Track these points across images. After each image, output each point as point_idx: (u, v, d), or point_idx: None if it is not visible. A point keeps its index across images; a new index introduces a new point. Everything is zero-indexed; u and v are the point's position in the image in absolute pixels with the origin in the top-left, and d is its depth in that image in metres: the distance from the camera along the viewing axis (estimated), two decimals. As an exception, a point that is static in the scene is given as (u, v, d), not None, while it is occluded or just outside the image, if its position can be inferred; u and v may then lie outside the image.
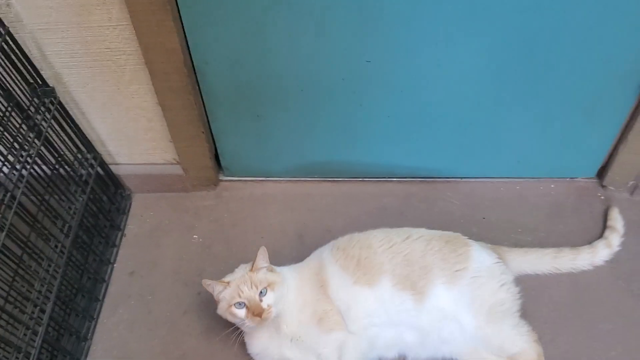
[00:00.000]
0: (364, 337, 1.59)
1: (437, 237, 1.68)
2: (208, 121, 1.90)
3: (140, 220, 2.10)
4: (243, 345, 1.67)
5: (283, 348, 1.60)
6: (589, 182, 2.08)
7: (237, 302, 1.53)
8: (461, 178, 2.10)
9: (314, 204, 2.09)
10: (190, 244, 2.01)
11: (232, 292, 1.54)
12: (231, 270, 1.63)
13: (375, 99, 1.80)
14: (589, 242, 1.90)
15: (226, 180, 2.16)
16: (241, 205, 2.12)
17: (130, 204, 2.13)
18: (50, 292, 1.60)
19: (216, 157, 2.08)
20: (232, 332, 1.59)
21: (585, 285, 1.81)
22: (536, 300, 1.75)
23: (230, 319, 1.56)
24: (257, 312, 1.50)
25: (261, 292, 1.53)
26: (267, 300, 1.53)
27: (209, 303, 1.82)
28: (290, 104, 1.83)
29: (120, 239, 2.03)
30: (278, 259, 1.71)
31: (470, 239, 1.75)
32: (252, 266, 1.58)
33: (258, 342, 1.64)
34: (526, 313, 1.65)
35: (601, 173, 2.03)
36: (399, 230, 1.72)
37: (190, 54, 1.67)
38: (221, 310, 1.57)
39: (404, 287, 1.57)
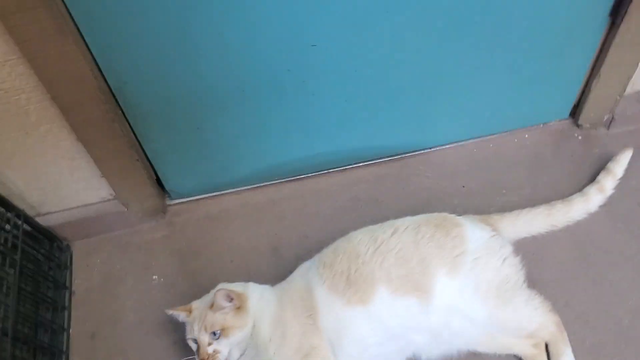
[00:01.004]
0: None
1: (424, 223, 1.55)
2: (141, 146, 1.70)
3: (87, 271, 1.87)
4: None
5: None
6: (563, 123, 2.00)
7: (190, 339, 1.48)
8: (431, 148, 1.98)
9: (281, 210, 1.92)
10: (151, 287, 1.81)
11: (189, 324, 1.49)
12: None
13: (327, 85, 1.64)
14: (576, 187, 1.83)
15: (175, 204, 1.96)
16: (199, 229, 1.92)
17: (71, 255, 1.89)
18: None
19: (158, 182, 1.87)
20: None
21: (584, 237, 1.75)
22: (539, 265, 1.66)
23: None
24: (200, 356, 1.42)
25: (214, 333, 1.42)
26: (218, 346, 1.42)
27: (189, 351, 1.60)
28: (232, 109, 1.64)
29: (69, 299, 1.80)
30: (257, 281, 1.56)
31: (456, 214, 1.64)
32: (211, 304, 1.46)
33: None
34: (533, 281, 1.57)
35: (575, 112, 1.96)
36: (383, 226, 1.57)
37: (104, 77, 1.46)
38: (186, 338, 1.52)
39: (406, 290, 1.44)
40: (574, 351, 1.53)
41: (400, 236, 1.52)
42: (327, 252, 1.57)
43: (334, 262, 1.50)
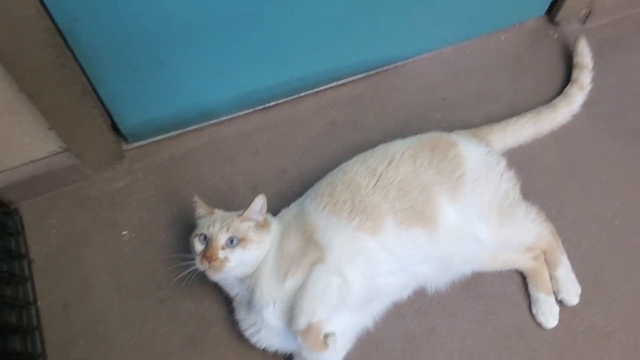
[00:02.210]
0: (363, 287, 1.42)
1: (419, 147, 1.51)
2: (95, 90, 1.50)
3: (43, 235, 1.69)
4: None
5: (265, 315, 1.40)
6: (539, 22, 1.97)
7: (202, 234, 1.41)
8: (407, 59, 1.89)
9: (253, 143, 1.80)
10: (122, 244, 1.67)
11: (206, 222, 1.44)
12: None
13: (298, 2, 1.49)
14: (556, 87, 1.85)
15: (133, 149, 1.78)
16: (165, 174, 1.77)
17: (21, 219, 1.69)
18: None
19: (113, 127, 1.68)
20: (184, 267, 1.40)
21: (569, 141, 1.78)
22: (529, 174, 1.67)
23: (191, 248, 1.43)
24: (208, 255, 1.35)
25: (231, 240, 1.36)
26: (229, 253, 1.35)
27: (178, 309, 1.59)
28: (198, 38, 1.48)
29: (30, 268, 1.63)
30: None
31: (441, 130, 1.62)
32: (243, 213, 1.42)
33: (243, 319, 1.47)
34: (524, 192, 1.58)
35: (551, 9, 1.91)
36: (376, 155, 1.51)
37: (51, 16, 1.23)
38: (192, 234, 1.46)
39: (412, 222, 1.41)
40: (570, 257, 1.59)
41: (398, 166, 1.47)
42: (321, 185, 1.51)
43: (333, 192, 1.45)
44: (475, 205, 1.46)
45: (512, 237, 1.53)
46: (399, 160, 1.47)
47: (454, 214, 1.44)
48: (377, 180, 1.45)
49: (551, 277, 1.58)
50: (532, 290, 1.57)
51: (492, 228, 1.48)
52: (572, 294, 1.55)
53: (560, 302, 1.56)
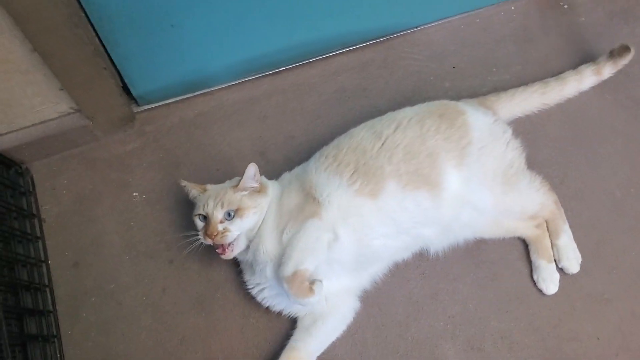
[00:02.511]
0: (357, 247, 1.45)
1: (427, 114, 1.52)
2: (107, 51, 1.51)
3: (54, 195, 1.72)
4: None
5: (267, 273, 1.45)
6: (549, -9, 1.99)
7: (199, 214, 1.47)
8: (416, 27, 1.90)
9: (261, 109, 1.81)
10: (133, 204, 1.70)
11: (201, 201, 1.48)
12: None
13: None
14: (565, 59, 1.85)
15: (144, 111, 1.80)
16: (175, 137, 1.79)
17: (32, 179, 1.72)
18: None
19: (124, 89, 1.69)
20: (190, 240, 1.45)
21: (575, 111, 1.78)
22: (534, 144, 1.69)
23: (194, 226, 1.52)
24: (209, 232, 1.40)
25: (229, 214, 1.42)
26: (229, 225, 1.41)
27: (187, 269, 1.63)
28: (210, 0, 1.47)
29: (41, 227, 1.66)
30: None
31: (449, 99, 1.63)
32: (238, 184, 1.47)
33: (249, 279, 1.53)
34: (529, 161, 1.59)
35: (562, -20, 1.93)
36: (383, 120, 1.53)
37: (64, -25, 1.24)
38: (193, 214, 1.51)
39: (417, 185, 1.43)
40: (571, 225, 1.62)
41: (405, 131, 1.48)
42: (328, 148, 1.54)
43: (338, 154, 1.48)
44: (480, 173, 1.48)
45: (515, 205, 1.56)
46: (405, 126, 1.49)
47: (458, 181, 1.46)
48: (383, 144, 1.47)
49: (553, 246, 1.60)
50: (534, 257, 1.60)
51: (496, 196, 1.50)
52: (573, 262, 1.58)
53: (561, 270, 1.58)
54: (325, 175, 1.45)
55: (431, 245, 1.56)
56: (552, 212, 1.61)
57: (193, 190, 1.49)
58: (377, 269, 1.54)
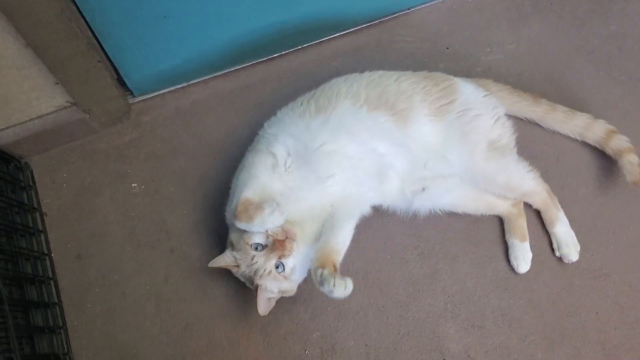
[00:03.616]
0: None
1: (412, 74, 1.59)
2: (100, 44, 1.51)
3: (54, 188, 1.74)
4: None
5: None
6: (541, -31, 1.97)
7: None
8: (409, 9, 1.89)
9: (257, 95, 1.82)
10: (132, 195, 1.71)
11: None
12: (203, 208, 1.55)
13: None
14: (559, 40, 1.83)
15: (139, 102, 1.81)
16: (171, 127, 1.80)
17: (31, 173, 1.74)
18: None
19: (119, 81, 1.70)
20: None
21: (569, 89, 1.75)
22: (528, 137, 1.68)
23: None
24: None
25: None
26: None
27: (188, 257, 1.65)
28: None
29: (42, 220, 1.69)
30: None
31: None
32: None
33: None
34: (524, 138, 1.62)
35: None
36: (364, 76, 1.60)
37: (55, -31, 1.24)
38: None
39: (377, 106, 1.49)
40: (568, 201, 1.66)
41: (381, 76, 1.56)
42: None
43: (304, 99, 1.55)
44: (459, 131, 1.51)
45: (498, 176, 1.56)
46: (381, 74, 1.57)
47: (430, 130, 1.51)
48: (347, 79, 1.56)
49: (550, 234, 1.62)
50: (507, 235, 1.63)
51: (475, 161, 1.53)
52: (572, 249, 1.59)
53: (560, 259, 1.59)
54: (287, 114, 1.53)
55: (402, 186, 1.53)
56: (544, 201, 1.63)
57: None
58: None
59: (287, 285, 1.44)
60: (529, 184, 1.59)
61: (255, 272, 1.39)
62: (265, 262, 1.38)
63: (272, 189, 1.41)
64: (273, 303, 1.46)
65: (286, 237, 1.39)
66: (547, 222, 1.62)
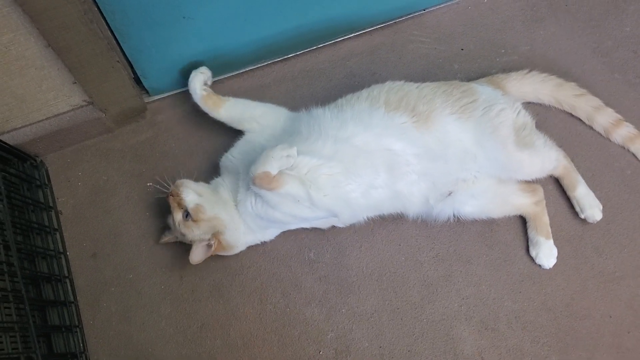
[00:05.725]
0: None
1: (428, 84, 1.62)
2: (119, 44, 1.53)
3: (69, 186, 1.76)
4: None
5: None
6: (557, -30, 1.99)
7: None
8: (424, 10, 1.90)
9: (272, 95, 1.83)
10: (147, 194, 1.73)
11: None
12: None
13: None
14: (574, 40, 1.85)
15: (155, 101, 1.82)
16: (186, 125, 1.81)
17: (47, 171, 1.75)
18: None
19: (135, 80, 1.71)
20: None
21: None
22: (544, 124, 1.71)
23: None
24: None
25: None
26: None
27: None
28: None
29: (57, 219, 1.71)
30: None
31: (459, 80, 1.68)
32: None
33: None
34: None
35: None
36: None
37: (79, -28, 1.25)
38: None
39: (396, 107, 1.53)
40: (583, 205, 1.72)
41: (402, 84, 1.60)
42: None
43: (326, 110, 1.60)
44: (489, 127, 1.54)
45: (534, 162, 1.61)
46: (403, 85, 1.61)
47: (458, 129, 1.53)
48: (374, 92, 1.58)
49: (571, 199, 1.68)
50: (532, 233, 1.66)
51: (509, 151, 1.56)
52: (595, 209, 1.66)
53: (584, 220, 1.65)
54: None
55: (436, 201, 1.55)
56: (566, 167, 1.69)
57: None
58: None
59: (206, 226, 1.51)
60: (555, 156, 1.65)
61: (179, 233, 1.55)
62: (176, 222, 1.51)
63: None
64: (209, 253, 1.53)
65: (170, 195, 1.52)
66: (568, 187, 1.68)
